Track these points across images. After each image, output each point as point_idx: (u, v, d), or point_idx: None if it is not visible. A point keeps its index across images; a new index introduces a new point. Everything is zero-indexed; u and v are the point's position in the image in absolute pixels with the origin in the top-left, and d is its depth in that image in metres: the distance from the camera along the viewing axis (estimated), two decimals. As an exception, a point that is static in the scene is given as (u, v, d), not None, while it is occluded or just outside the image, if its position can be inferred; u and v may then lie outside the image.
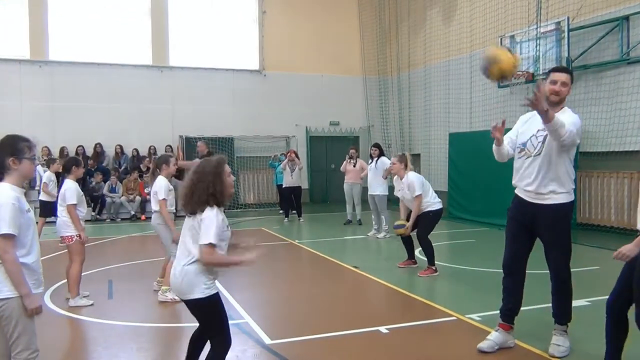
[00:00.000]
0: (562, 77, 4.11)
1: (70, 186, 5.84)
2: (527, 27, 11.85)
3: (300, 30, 17.47)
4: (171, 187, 6.18)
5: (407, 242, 7.52)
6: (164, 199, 5.97)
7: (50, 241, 9.76)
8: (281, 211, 14.24)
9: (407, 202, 7.43)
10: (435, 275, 7.04)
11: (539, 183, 4.11)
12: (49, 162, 10.56)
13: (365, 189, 11.17)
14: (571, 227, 4.29)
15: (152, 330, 5.14)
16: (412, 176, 7.31)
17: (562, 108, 4.14)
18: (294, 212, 13.52)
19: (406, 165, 7.50)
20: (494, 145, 4.31)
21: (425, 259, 7.23)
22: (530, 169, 4.14)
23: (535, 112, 4.26)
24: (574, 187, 4.20)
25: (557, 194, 4.09)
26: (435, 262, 7.19)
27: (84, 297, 5.91)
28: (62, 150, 14.48)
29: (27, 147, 3.04)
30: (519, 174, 4.27)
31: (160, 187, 6.02)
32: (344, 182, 12.20)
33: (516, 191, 4.33)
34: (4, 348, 3.04)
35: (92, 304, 5.84)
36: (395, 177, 7.67)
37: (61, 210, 5.82)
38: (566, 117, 3.99)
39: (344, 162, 12.11)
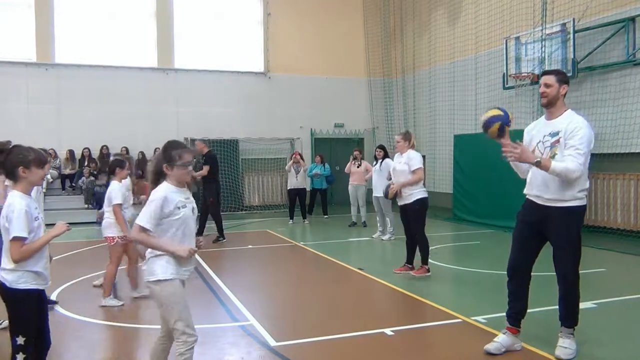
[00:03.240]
0: (544, 79, 4.16)
1: (115, 187, 5.99)
2: (532, 28, 11.82)
3: (305, 32, 17.49)
4: None
5: (411, 244, 7.43)
6: None
7: (61, 243, 9.80)
8: (326, 216, 14.05)
9: (397, 174, 7.19)
10: (440, 277, 7.01)
11: (547, 189, 4.09)
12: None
13: (370, 191, 11.15)
14: (581, 231, 4.24)
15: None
16: (413, 152, 7.17)
17: (563, 112, 4.12)
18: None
19: (410, 144, 7.28)
20: (511, 163, 4.28)
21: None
22: (539, 175, 4.11)
23: (540, 120, 4.27)
24: (586, 192, 4.15)
25: (568, 200, 4.06)
26: (441, 264, 7.16)
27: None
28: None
29: (179, 155, 3.33)
30: (529, 181, 4.27)
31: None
32: (348, 184, 12.22)
33: (527, 195, 4.32)
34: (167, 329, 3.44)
35: (122, 304, 5.96)
36: (397, 154, 7.42)
37: (107, 212, 5.99)
38: (573, 127, 3.96)
39: (348, 164, 12.13)
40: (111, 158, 6.94)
